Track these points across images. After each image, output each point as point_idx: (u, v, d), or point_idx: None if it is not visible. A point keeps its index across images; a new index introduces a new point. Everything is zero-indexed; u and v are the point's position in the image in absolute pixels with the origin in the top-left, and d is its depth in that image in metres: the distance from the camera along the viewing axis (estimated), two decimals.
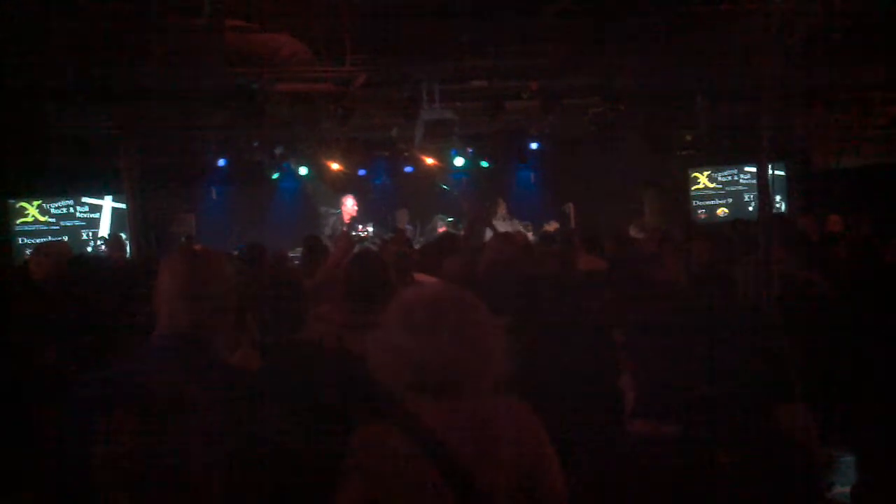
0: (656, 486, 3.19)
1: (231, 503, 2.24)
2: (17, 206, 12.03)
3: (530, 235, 12.47)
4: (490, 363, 2.23)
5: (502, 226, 11.65)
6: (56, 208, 12.21)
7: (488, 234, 9.16)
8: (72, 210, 12.28)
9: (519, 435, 2.23)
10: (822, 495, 3.49)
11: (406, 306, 2.27)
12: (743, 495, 3.23)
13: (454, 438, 2.13)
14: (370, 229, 12.78)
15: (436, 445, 2.11)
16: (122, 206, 12.19)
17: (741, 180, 13.33)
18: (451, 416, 2.16)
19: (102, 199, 12.34)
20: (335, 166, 14.55)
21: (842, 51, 8.59)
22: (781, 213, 12.20)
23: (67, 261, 5.71)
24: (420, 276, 5.59)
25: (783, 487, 3.33)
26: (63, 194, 12.14)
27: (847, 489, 3.44)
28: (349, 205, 12.77)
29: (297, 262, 9.03)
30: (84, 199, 12.29)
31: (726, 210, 13.35)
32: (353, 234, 11.83)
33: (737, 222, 9.56)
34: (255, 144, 13.96)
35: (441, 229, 12.76)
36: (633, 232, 10.25)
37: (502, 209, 12.52)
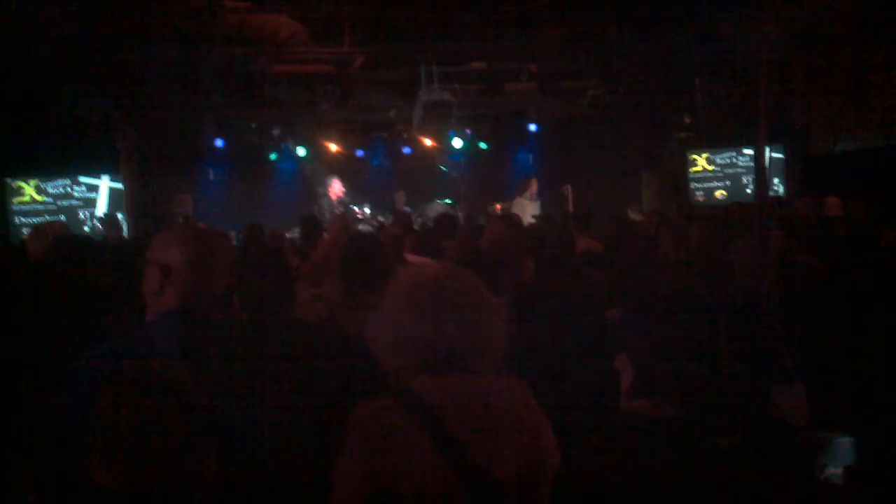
0: (653, 466, 3.22)
1: (226, 482, 2.25)
2: (15, 185, 12.01)
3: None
4: (490, 340, 2.25)
5: (530, 206, 11.62)
6: (53, 188, 12.18)
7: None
8: (69, 190, 12.25)
9: (517, 412, 2.25)
10: (816, 476, 3.52)
11: (406, 285, 2.28)
12: (738, 475, 3.26)
13: (453, 415, 2.14)
14: (367, 210, 12.78)
15: (435, 421, 2.13)
16: (120, 186, 12.18)
17: (739, 163, 13.31)
18: (450, 393, 2.17)
19: (100, 178, 12.31)
20: (333, 147, 14.54)
21: (841, 32, 8.59)
22: (780, 195, 12.18)
23: (57, 239, 5.69)
24: (411, 258, 5.60)
25: (778, 468, 3.35)
26: (60, 174, 12.11)
27: (840, 470, 3.46)
28: (336, 187, 12.77)
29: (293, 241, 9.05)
30: (81, 179, 12.26)
31: (725, 192, 13.33)
32: (349, 215, 11.83)
33: (733, 205, 9.56)
34: (253, 125, 13.95)
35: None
36: (632, 214, 10.28)
37: (533, 189, 12.40)
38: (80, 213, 12.24)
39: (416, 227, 10.98)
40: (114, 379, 2.12)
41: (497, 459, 2.15)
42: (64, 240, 5.52)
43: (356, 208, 12.63)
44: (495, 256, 4.55)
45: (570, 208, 12.75)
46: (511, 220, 6.90)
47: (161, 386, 2.12)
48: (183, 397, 2.11)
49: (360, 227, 11.51)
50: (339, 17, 8.56)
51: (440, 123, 12.75)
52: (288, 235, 9.93)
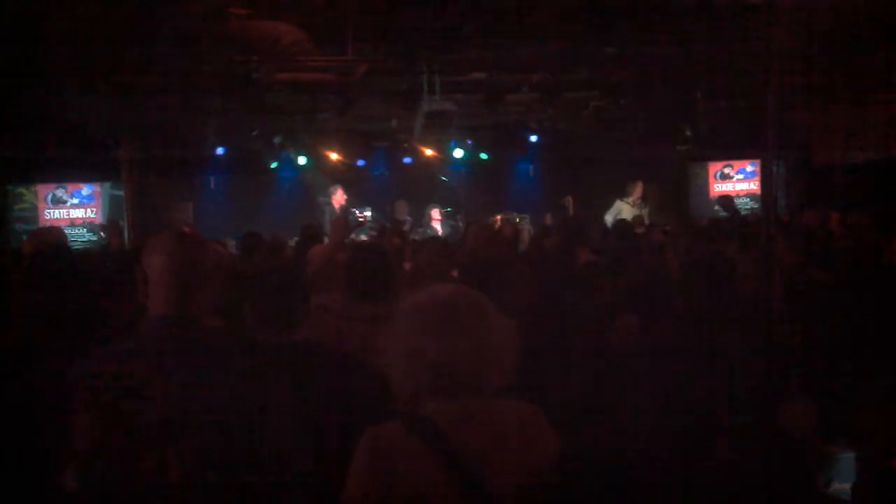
0: (657, 480, 3.18)
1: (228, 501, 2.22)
2: (16, 192, 12.00)
3: (528, 227, 12.48)
4: (502, 364, 2.22)
5: (629, 211, 11.60)
6: (53, 194, 12.18)
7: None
8: (70, 197, 12.25)
9: (528, 437, 2.22)
10: (822, 491, 3.49)
11: (419, 307, 2.25)
12: (744, 490, 3.23)
13: (464, 439, 2.12)
14: (368, 214, 12.76)
15: (445, 446, 2.10)
16: (120, 193, 12.17)
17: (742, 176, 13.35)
18: (461, 416, 2.15)
19: (100, 186, 12.31)
20: (334, 156, 14.54)
21: (843, 46, 8.57)
22: (797, 207, 12.13)
23: (47, 248, 5.65)
24: (407, 265, 5.60)
25: (783, 483, 3.32)
26: (61, 181, 12.11)
27: (847, 486, 3.43)
28: (339, 195, 12.80)
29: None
30: (82, 186, 12.26)
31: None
32: (351, 218, 11.80)
33: (734, 217, 9.55)
34: (254, 133, 13.93)
35: (437, 220, 12.75)
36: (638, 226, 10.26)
37: (637, 192, 12.28)
38: (81, 221, 12.23)
39: (416, 236, 10.99)
40: (81, 378, 2.10)
41: (508, 484, 2.12)
42: (59, 248, 5.50)
43: (357, 211, 12.59)
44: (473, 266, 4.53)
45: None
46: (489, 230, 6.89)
47: (125, 387, 2.10)
48: (145, 399, 2.09)
49: (364, 233, 11.50)
50: (342, 25, 8.55)
51: (441, 133, 12.73)
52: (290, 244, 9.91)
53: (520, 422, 2.24)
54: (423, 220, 13.07)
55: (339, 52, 9.03)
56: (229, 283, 3.11)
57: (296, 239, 9.26)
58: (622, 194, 12.44)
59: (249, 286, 3.16)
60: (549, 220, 13.04)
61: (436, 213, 12.84)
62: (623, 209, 11.83)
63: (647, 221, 11.27)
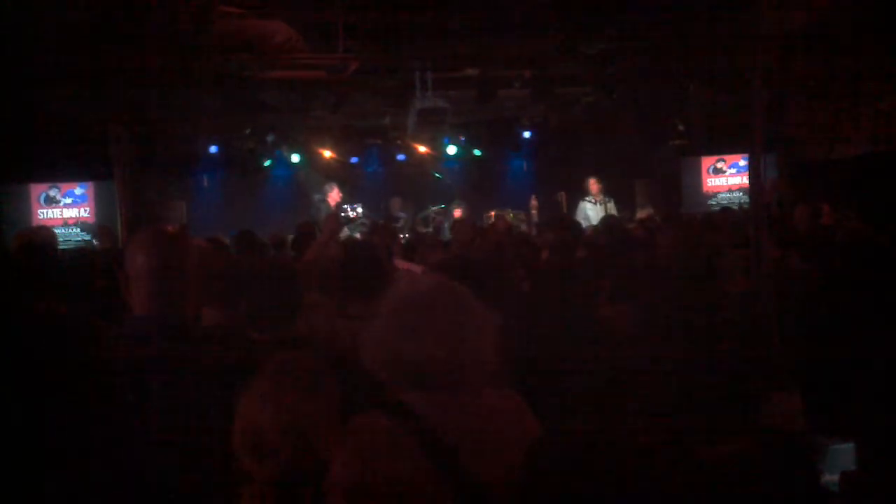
0: (645, 474, 3.20)
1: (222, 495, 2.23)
2: (8, 190, 11.96)
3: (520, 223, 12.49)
4: (484, 356, 2.21)
5: (592, 209, 11.48)
6: (46, 194, 12.15)
7: None
8: (61, 196, 12.22)
9: (512, 427, 2.22)
10: (811, 482, 3.51)
11: (399, 300, 2.24)
12: (731, 482, 3.25)
13: (447, 429, 2.11)
14: (359, 210, 12.77)
15: (429, 435, 2.10)
16: (113, 192, 12.14)
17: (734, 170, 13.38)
18: (444, 407, 2.14)
19: (93, 185, 12.27)
20: (327, 154, 14.54)
21: (834, 40, 8.60)
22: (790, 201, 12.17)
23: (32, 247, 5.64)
24: (400, 264, 5.61)
25: (771, 474, 3.34)
26: (53, 180, 12.08)
27: (836, 477, 3.45)
28: (335, 193, 12.81)
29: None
30: (74, 185, 12.23)
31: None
32: (343, 215, 11.81)
33: (724, 211, 9.56)
34: (247, 132, 13.93)
35: (437, 219, 12.78)
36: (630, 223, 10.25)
37: (593, 189, 12.11)
38: (73, 220, 12.20)
39: (406, 233, 11.04)
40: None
41: (490, 473, 2.13)
42: (45, 247, 5.49)
43: (348, 207, 12.60)
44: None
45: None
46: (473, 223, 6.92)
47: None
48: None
49: (356, 230, 11.53)
50: (334, 23, 8.56)
51: (434, 130, 12.78)
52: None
53: (501, 409, 2.24)
54: (426, 218, 13.05)
55: (330, 50, 9.05)
56: (229, 280, 3.13)
57: (292, 237, 9.30)
58: (582, 195, 12.26)
59: (246, 284, 3.17)
60: (523, 216, 12.99)
61: (458, 212, 12.75)
62: (588, 209, 11.70)
63: (614, 213, 11.15)
